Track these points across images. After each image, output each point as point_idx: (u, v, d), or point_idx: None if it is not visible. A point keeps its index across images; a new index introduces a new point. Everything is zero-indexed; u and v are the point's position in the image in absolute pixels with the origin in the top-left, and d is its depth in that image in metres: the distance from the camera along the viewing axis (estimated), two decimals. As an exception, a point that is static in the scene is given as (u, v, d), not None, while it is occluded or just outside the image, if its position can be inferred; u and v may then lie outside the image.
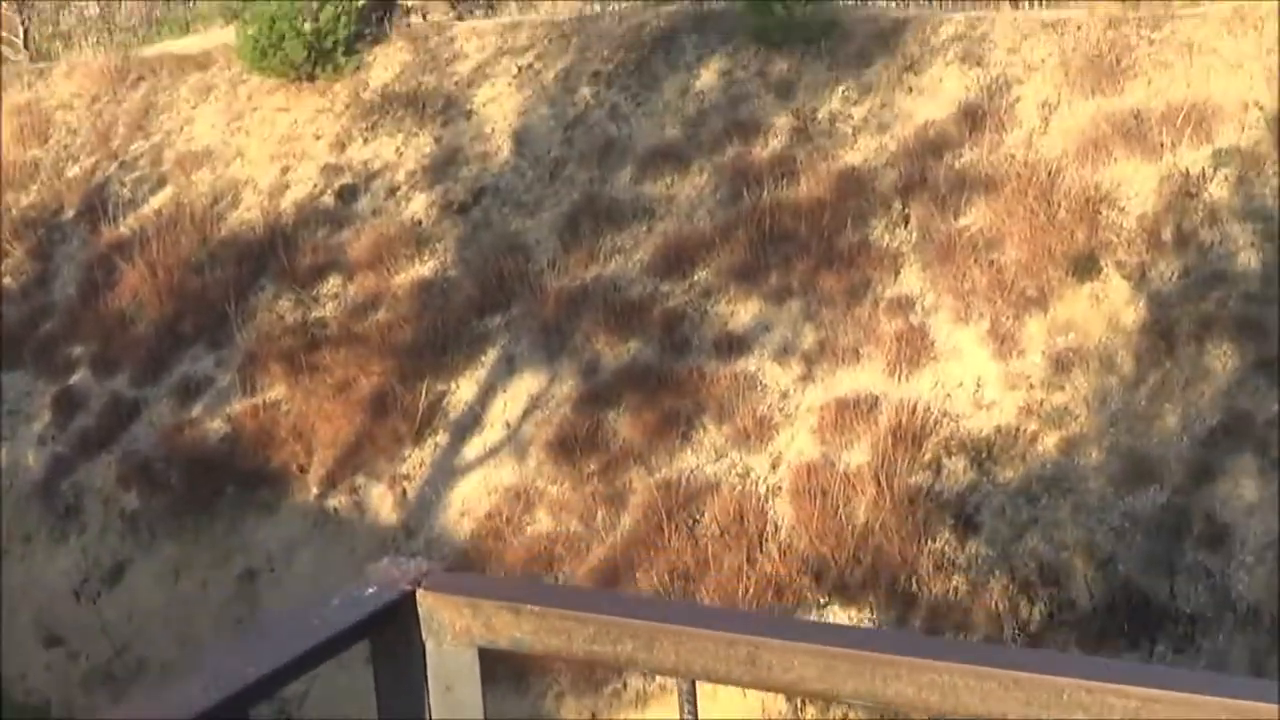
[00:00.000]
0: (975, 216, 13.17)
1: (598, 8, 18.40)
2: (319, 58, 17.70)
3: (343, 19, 17.62)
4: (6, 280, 17.25)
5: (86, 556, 14.31)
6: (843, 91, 14.90)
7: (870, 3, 18.09)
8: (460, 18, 18.95)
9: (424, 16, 18.61)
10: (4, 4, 24.16)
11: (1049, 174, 13.02)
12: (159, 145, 18.08)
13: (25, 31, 24.15)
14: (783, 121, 14.88)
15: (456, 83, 17.15)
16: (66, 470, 14.98)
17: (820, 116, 14.74)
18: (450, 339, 14.33)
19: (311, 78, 17.80)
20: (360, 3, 18.11)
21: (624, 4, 18.14)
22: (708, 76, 15.73)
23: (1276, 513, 10.76)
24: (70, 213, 17.73)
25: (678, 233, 14.33)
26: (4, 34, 24.26)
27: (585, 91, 16.22)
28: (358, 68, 17.78)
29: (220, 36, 19.76)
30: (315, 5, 17.64)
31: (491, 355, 14.15)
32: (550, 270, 14.52)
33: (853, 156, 14.23)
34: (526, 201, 15.39)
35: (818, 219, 13.70)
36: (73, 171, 18.35)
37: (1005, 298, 12.43)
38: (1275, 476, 10.87)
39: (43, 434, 15.44)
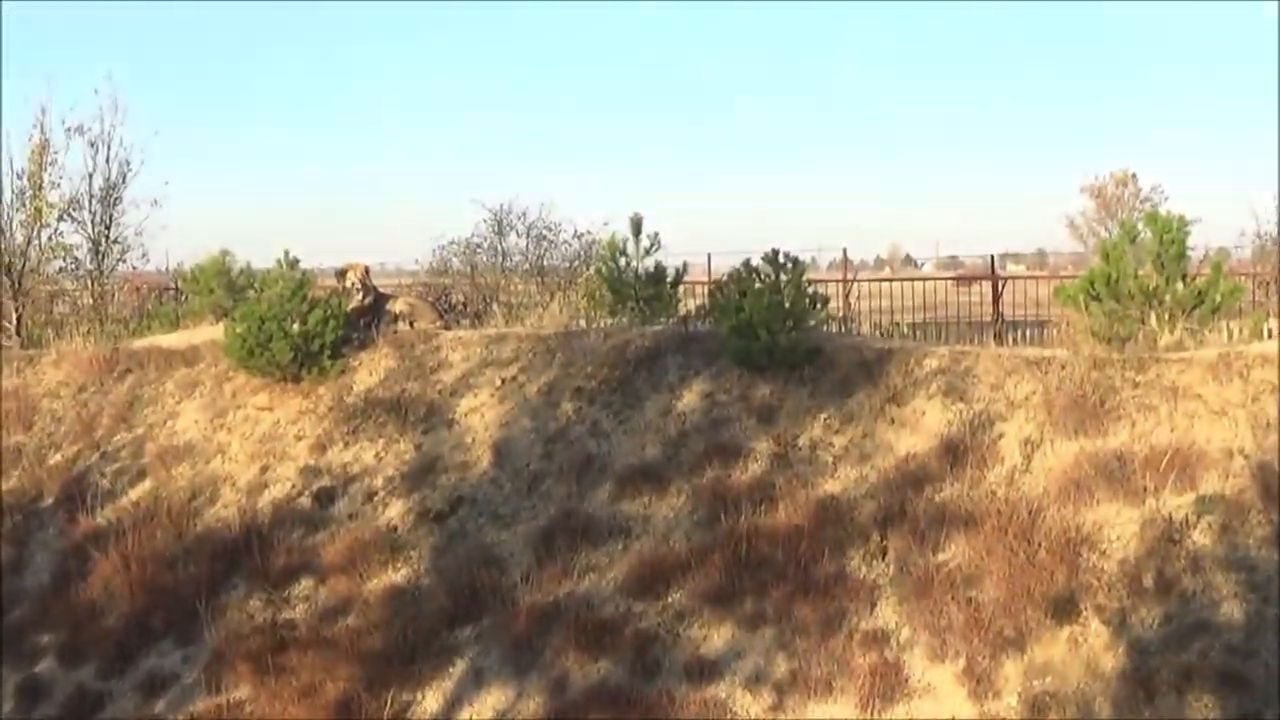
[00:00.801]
0: (954, 552, 12.94)
1: (583, 324, 18.59)
2: (305, 359, 17.72)
3: (330, 323, 17.68)
4: (-23, 565, 16.91)
5: None
6: (824, 419, 14.82)
7: (854, 333, 18.27)
8: (447, 327, 19.18)
9: (411, 324, 18.77)
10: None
11: (1030, 513, 12.84)
12: (141, 438, 17.96)
13: (18, 318, 24.34)
14: (763, 446, 14.75)
15: (440, 391, 17.10)
16: (24, 762, 14.39)
17: (801, 443, 14.63)
18: (420, 648, 13.93)
19: (297, 379, 17.79)
20: (348, 308, 18.18)
21: (609, 322, 18.36)
22: (690, 398, 15.66)
23: None
24: (49, 500, 17.48)
25: (653, 553, 14.08)
26: (-2, 320, 24.48)
27: (567, 406, 16.15)
28: (343, 371, 17.79)
29: (209, 333, 19.90)
30: (304, 308, 17.72)
31: (460, 667, 13.74)
32: (524, 584, 14.22)
33: (832, 485, 14.07)
34: (503, 514, 15.18)
35: (795, 546, 13.47)
36: (54, 459, 18.16)
37: (982, 636, 12.15)
38: (1256, 838, 10.37)
39: (2, 723, 14.88)
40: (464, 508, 15.41)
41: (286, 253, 18.85)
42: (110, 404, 18.79)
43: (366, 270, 19.10)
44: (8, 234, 25.19)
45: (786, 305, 15.63)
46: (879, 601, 12.86)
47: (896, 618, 12.68)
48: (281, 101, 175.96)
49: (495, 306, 22.38)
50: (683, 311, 18.50)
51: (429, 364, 17.63)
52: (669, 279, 18.77)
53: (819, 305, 15.99)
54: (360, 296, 18.78)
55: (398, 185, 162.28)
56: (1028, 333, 19.27)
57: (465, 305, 23.93)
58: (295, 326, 17.67)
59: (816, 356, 15.51)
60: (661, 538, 14.20)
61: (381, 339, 18.33)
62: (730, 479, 14.48)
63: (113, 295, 26.79)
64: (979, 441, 13.81)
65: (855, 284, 27.35)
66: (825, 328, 16.84)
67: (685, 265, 19.54)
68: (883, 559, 13.20)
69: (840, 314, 21.54)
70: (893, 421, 14.52)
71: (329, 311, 17.82)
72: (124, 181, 26.65)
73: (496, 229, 27.15)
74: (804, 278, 15.99)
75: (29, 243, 25.26)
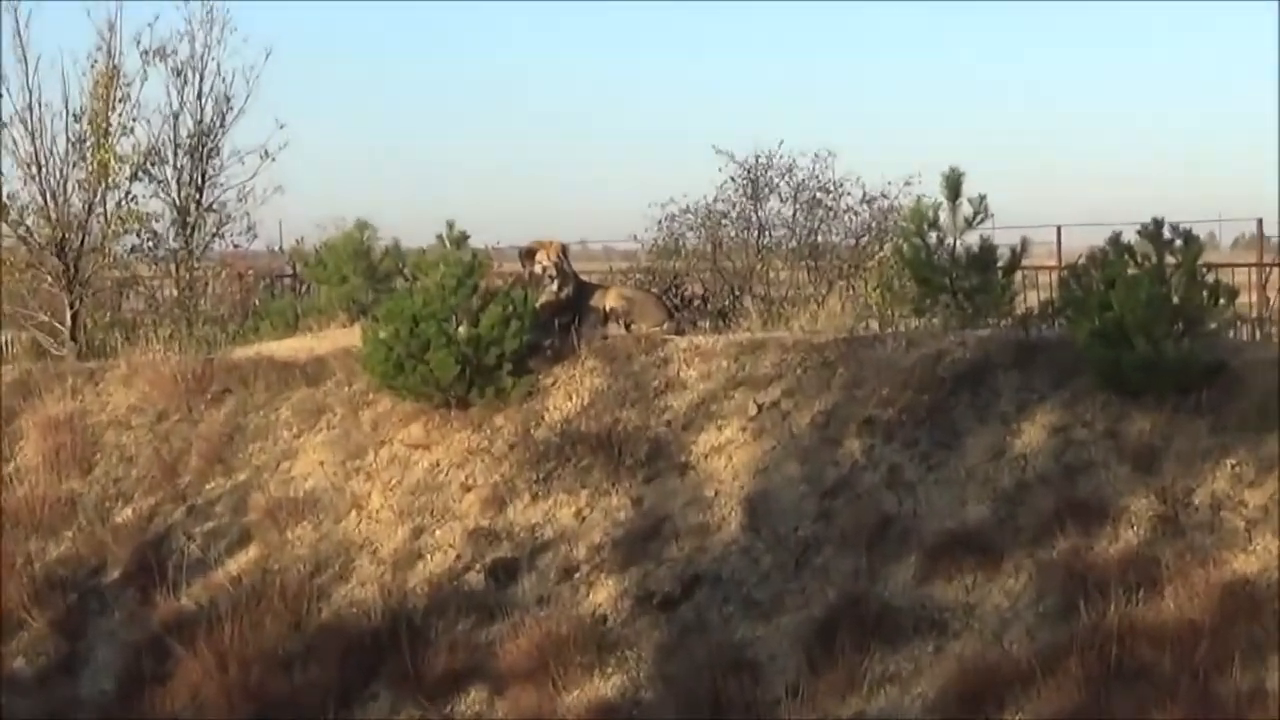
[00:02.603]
0: None
1: (875, 326, 18.88)
2: (476, 377, 17.92)
3: (513, 325, 17.80)
4: (19, 661, 17.47)
5: None
6: (1232, 467, 14.70)
7: (1277, 341, 17.85)
8: (679, 331, 19.34)
9: (628, 326, 19.07)
10: (49, 278, 25.04)
11: None
12: (245, 486, 18.50)
13: (74, 316, 24.93)
14: (1141, 505, 14.70)
15: (669, 423, 17.31)
16: None
17: (1197, 501, 14.53)
18: (640, 791, 14.06)
19: (464, 404, 18.06)
20: (538, 303, 18.48)
21: (913, 324, 18.64)
22: (1032, 433, 15.73)
23: None
24: (115, 573, 18.03)
25: (979, 657, 14.06)
26: (44, 319, 25.01)
27: (853, 445, 16.28)
28: (530, 393, 18.03)
29: (340, 338, 20.46)
30: (475, 304, 17.94)
31: (698, 818, 13.84)
32: (790, 699, 14.25)
33: (1245, 563, 13.91)
34: (760, 599, 15.34)
35: (1189, 650, 13.31)
36: (123, 515, 18.75)
37: None
38: None
39: None
40: (703, 590, 15.58)
41: (451, 225, 18.84)
42: (202, 438, 19.33)
43: (564, 250, 19.34)
44: (60, 199, 25.92)
45: (1175, 300, 15.46)
46: (1315, 730, 12.56)
47: (1338, 749, 12.39)
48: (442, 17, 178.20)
49: (748, 301, 22.67)
50: (1021, 309, 18.52)
51: (653, 383, 17.82)
52: (1000, 262, 18.83)
53: (1223, 301, 15.76)
54: (555, 287, 19.07)
55: (603, 129, 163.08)
56: None
57: (705, 300, 24.13)
58: (463, 330, 17.85)
59: (1219, 375, 15.35)
60: (992, 636, 14.22)
61: (585, 347, 18.51)
62: (1093, 551, 14.44)
63: (206, 285, 27.81)
64: None
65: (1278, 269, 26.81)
66: (1232, 333, 16.69)
67: (1025, 242, 19.64)
68: (1321, 669, 12.88)
69: (1255, 314, 21.11)
70: (1335, 471, 14.19)
71: (511, 309, 17.94)
72: (223, 126, 27.94)
73: (750, 191, 27.12)
74: (1199, 261, 15.72)
75: (90, 211, 26.13)
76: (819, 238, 27.14)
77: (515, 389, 18.08)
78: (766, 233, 27.43)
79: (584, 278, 20.14)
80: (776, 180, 27.64)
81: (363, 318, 20.16)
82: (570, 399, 18.08)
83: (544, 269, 19.20)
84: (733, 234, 27.46)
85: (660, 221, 27.85)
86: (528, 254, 19.41)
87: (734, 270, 26.16)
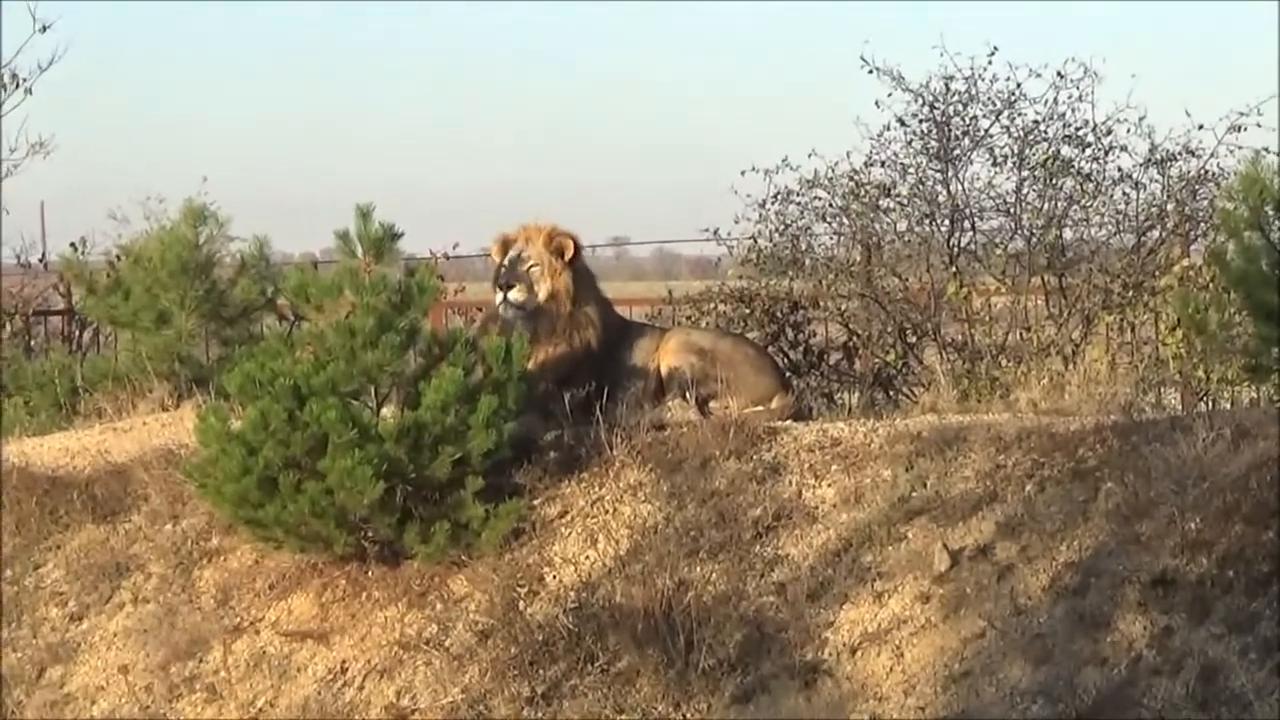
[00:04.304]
0: None
1: (1172, 400, 19.96)
2: (416, 504, 16.80)
3: (484, 404, 16.49)
4: None
5: None
6: None
7: None
8: (801, 415, 18.55)
9: (703, 404, 17.75)
10: None
11: None
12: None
13: None
14: None
15: (782, 588, 15.69)
16: None
17: None
18: None
19: (393, 556, 17.06)
20: (532, 361, 17.42)
21: (1246, 395, 19.83)
22: None
23: None
24: None
25: None
26: None
27: (1133, 628, 14.28)
28: (518, 534, 16.74)
29: (156, 431, 20.15)
30: (414, 363, 17.05)
31: None
32: None
33: None
34: None
35: None
36: None
37: None
38: None
39: None
40: None
41: (365, 214, 17.50)
42: None
43: (573, 247, 17.78)
44: None
45: None
46: None
47: None
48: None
49: (933, 356, 22.11)
50: None
51: (751, 513, 16.43)
52: None
53: None
54: (561, 325, 17.88)
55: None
56: None
57: (851, 352, 23.44)
58: (390, 414, 17.03)
59: None
60: None
61: (623, 444, 17.34)
62: None
63: None
64: None
65: None
66: None
67: None
68: None
69: None
70: None
71: (480, 372, 16.83)
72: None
73: (937, 143, 24.71)
74: None
75: None
76: (1066, 231, 24.78)
77: (490, 527, 16.73)
78: (967, 223, 24.90)
79: (620, 310, 19.50)
80: (985, 122, 24.97)
81: (198, 392, 19.66)
82: (594, 545, 16.72)
83: (545, 292, 17.78)
84: (902, 227, 25.25)
85: (765, 204, 25.10)
86: (501, 251, 18.13)
87: (905, 295, 24.45)
